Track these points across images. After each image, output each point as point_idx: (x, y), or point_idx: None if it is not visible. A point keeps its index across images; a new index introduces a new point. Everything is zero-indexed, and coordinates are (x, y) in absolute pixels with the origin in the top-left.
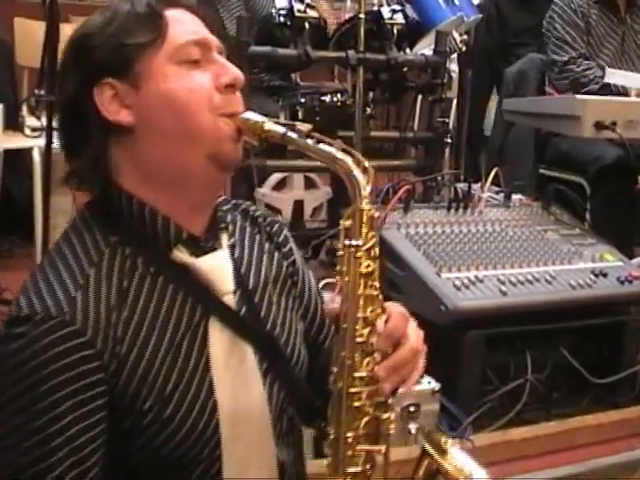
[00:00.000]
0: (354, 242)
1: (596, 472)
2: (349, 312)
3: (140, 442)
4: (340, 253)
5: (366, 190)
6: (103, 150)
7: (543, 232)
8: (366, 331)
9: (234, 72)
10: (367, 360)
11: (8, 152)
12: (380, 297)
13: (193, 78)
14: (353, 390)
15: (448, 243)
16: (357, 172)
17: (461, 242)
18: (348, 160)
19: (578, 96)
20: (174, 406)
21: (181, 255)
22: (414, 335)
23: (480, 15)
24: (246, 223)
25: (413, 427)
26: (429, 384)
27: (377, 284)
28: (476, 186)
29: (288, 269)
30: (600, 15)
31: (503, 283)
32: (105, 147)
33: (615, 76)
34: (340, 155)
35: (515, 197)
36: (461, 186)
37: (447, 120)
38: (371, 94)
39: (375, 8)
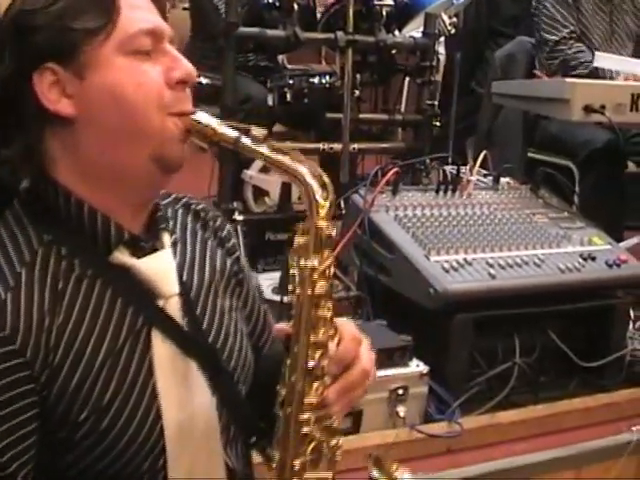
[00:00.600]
0: (310, 263)
1: (583, 455)
2: (301, 336)
3: (75, 455)
4: (293, 272)
5: (324, 206)
6: (38, 140)
7: (532, 215)
8: (317, 354)
9: (186, 67)
10: (317, 384)
11: None
12: (332, 318)
13: (143, 72)
14: (302, 417)
15: (437, 226)
16: (315, 186)
17: (450, 225)
18: (305, 172)
19: (567, 79)
20: (112, 416)
21: (121, 256)
22: (366, 356)
23: None
24: (188, 218)
25: (401, 410)
26: (417, 367)
27: (330, 304)
28: (465, 169)
29: (233, 267)
30: None
31: (492, 266)
32: (41, 137)
33: (604, 60)
34: (297, 167)
35: (504, 180)
36: (450, 169)
37: (435, 103)
38: (359, 76)
39: None
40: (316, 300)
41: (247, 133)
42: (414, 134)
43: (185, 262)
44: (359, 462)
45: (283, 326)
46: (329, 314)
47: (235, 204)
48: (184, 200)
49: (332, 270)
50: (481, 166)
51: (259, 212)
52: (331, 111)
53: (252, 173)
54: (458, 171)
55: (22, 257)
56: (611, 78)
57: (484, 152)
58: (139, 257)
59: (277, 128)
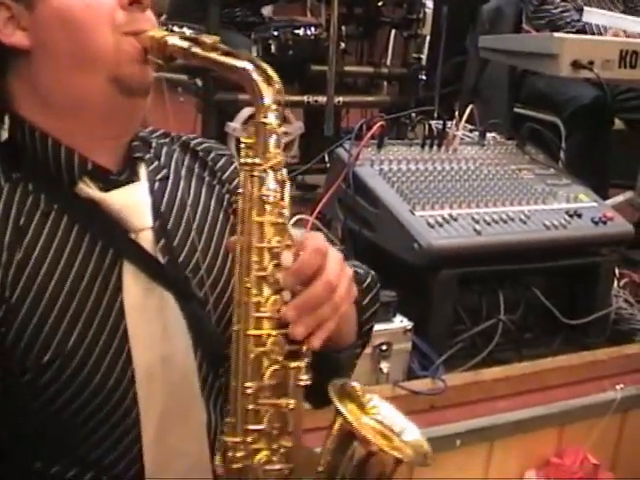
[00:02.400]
0: (251, 160)
1: (567, 414)
2: (245, 240)
3: (40, 402)
4: (241, 174)
5: (269, 101)
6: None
7: (518, 171)
8: (270, 265)
9: None
10: (272, 299)
11: None
12: (288, 228)
13: None
14: (254, 332)
15: (422, 181)
16: (259, 81)
17: (435, 180)
18: (250, 68)
19: (556, 34)
20: (79, 360)
21: (88, 190)
22: (332, 268)
23: None
24: (185, 156)
25: (385, 366)
26: (401, 323)
27: (285, 212)
28: (451, 124)
29: (232, 205)
30: None
31: (477, 222)
32: (2, 75)
33: (593, 15)
34: (243, 64)
35: (490, 136)
36: (435, 123)
37: (422, 57)
38: (345, 29)
39: None
40: (264, 203)
41: (197, 42)
42: (399, 88)
43: (176, 197)
44: None
45: (232, 239)
46: (282, 220)
47: None
48: (183, 139)
49: (284, 174)
50: (467, 121)
51: None
52: (316, 63)
53: (236, 125)
54: (444, 126)
55: None
56: (599, 34)
57: (470, 107)
58: (108, 190)
59: None
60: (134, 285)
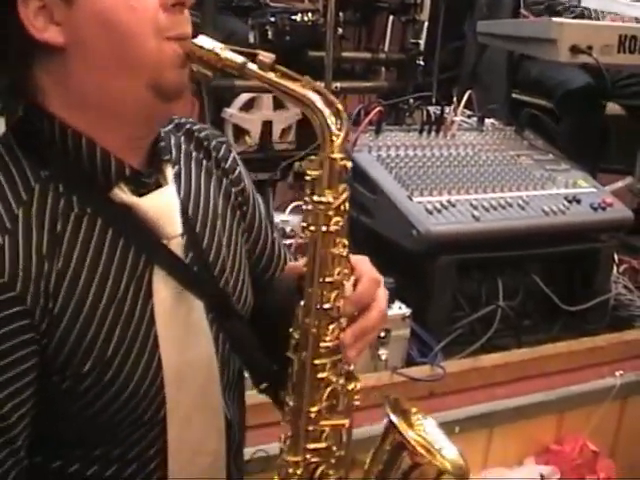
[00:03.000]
0: (324, 199)
1: (566, 400)
2: (315, 276)
3: (75, 408)
4: (307, 208)
5: (339, 135)
6: (27, 72)
7: (516, 157)
8: (333, 295)
9: None
10: (333, 327)
11: None
12: (348, 256)
13: None
14: (318, 362)
15: (420, 167)
16: (328, 114)
17: (433, 166)
18: (317, 99)
19: (554, 19)
20: (116, 368)
21: (122, 194)
22: (383, 297)
23: None
24: (191, 146)
25: (383, 353)
26: (400, 309)
27: (345, 241)
28: (449, 109)
29: (237, 198)
30: None
31: (476, 208)
32: (29, 69)
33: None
34: (309, 94)
35: (488, 121)
36: (433, 109)
37: (420, 42)
38: (342, 14)
39: None
40: (331, 237)
41: (254, 58)
42: (397, 73)
43: (190, 194)
44: None
45: (296, 264)
46: (344, 252)
47: None
48: (187, 127)
49: (347, 205)
50: (465, 107)
51: (239, 151)
52: (313, 49)
53: (232, 111)
54: (442, 111)
55: (19, 196)
56: (597, 19)
57: (468, 92)
58: (141, 195)
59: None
60: (164, 291)
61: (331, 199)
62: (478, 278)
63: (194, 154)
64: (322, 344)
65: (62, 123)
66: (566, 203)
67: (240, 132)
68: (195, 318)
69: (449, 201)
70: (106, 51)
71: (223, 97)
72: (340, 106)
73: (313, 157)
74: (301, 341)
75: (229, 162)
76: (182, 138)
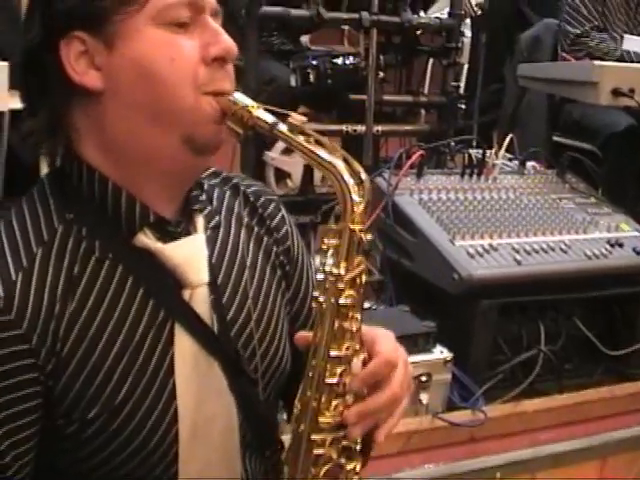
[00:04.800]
0: (335, 270)
1: (609, 445)
2: (320, 349)
3: (83, 454)
4: (319, 277)
5: (359, 206)
6: (62, 112)
7: (558, 200)
8: (339, 370)
9: (226, 42)
10: (336, 403)
11: (13, 112)
12: (360, 332)
13: (177, 46)
14: (315, 437)
15: (462, 210)
16: (351, 184)
17: (475, 209)
18: (342, 168)
19: (595, 62)
20: (125, 416)
21: (146, 240)
22: (398, 381)
23: None
24: (235, 202)
25: (424, 397)
26: (441, 354)
27: (358, 316)
28: (490, 152)
29: (279, 257)
30: None
31: (517, 252)
32: (66, 109)
33: (632, 42)
34: (335, 161)
35: (529, 164)
36: (475, 152)
37: (460, 85)
38: (383, 57)
39: None
40: (341, 311)
41: (285, 120)
42: (438, 116)
43: (226, 250)
44: (382, 449)
45: (304, 334)
46: (355, 327)
47: None
48: (234, 181)
49: (364, 278)
50: (506, 150)
51: (281, 194)
52: (354, 92)
53: (274, 155)
54: (483, 154)
55: (40, 235)
56: (638, 62)
57: (510, 136)
58: (166, 242)
59: (300, 109)
60: (185, 344)
61: (343, 271)
62: (520, 322)
63: (236, 210)
64: (322, 419)
65: (91, 166)
66: (608, 247)
67: (281, 175)
68: (217, 373)
69: (491, 245)
70: (142, 100)
71: (264, 140)
72: (364, 177)
73: (333, 226)
74: (301, 414)
75: (276, 220)
76: (228, 192)
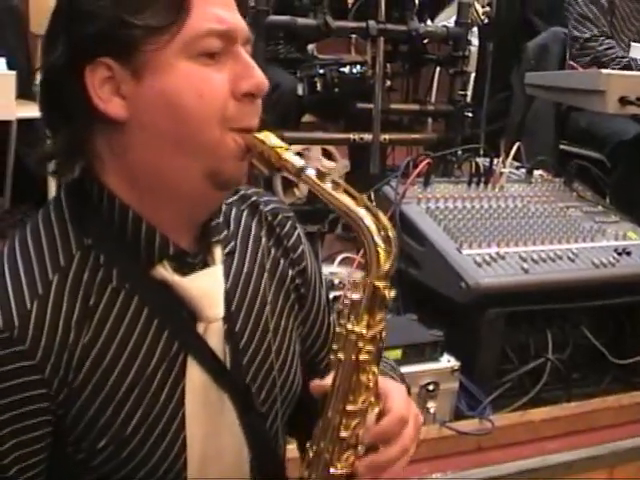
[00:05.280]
0: (357, 329)
1: (617, 454)
2: (337, 402)
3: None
4: (338, 331)
5: (384, 263)
6: (84, 137)
7: (565, 209)
8: (353, 423)
9: (257, 77)
10: (348, 454)
11: (21, 121)
12: (377, 386)
13: (207, 79)
14: None
15: (469, 219)
16: (379, 239)
17: (482, 218)
18: (370, 222)
19: (603, 70)
20: (135, 445)
21: (164, 272)
22: (409, 436)
23: None
24: (253, 222)
25: (432, 406)
26: (448, 362)
27: (376, 370)
28: (497, 161)
29: (294, 280)
30: None
31: (525, 260)
32: (88, 134)
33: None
34: (363, 215)
35: (537, 173)
36: (482, 161)
37: (467, 93)
38: (390, 66)
39: None
40: (360, 366)
41: (313, 163)
42: (445, 125)
43: (240, 277)
44: None
45: (320, 383)
46: (372, 381)
47: None
48: (252, 199)
49: (384, 334)
50: (514, 158)
51: (289, 203)
52: (361, 101)
53: None
54: (490, 163)
55: (57, 260)
56: None
57: (517, 144)
58: (184, 273)
59: (307, 118)
60: (196, 376)
61: (364, 330)
62: (527, 331)
63: (254, 231)
64: (333, 470)
65: (112, 193)
66: (616, 255)
67: (289, 184)
68: (228, 407)
69: (498, 253)
70: (167, 133)
71: None
72: (392, 234)
73: (357, 279)
74: (313, 462)
75: (292, 240)
76: (245, 212)
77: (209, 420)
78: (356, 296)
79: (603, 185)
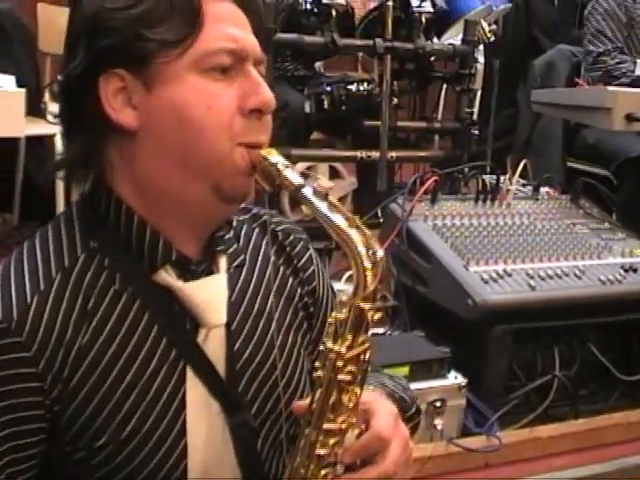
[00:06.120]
0: (336, 347)
1: (624, 471)
2: (314, 420)
3: None
4: (321, 348)
5: (371, 285)
6: (98, 145)
7: (572, 226)
8: (331, 442)
9: (265, 95)
10: (325, 471)
11: (29, 139)
12: (356, 407)
13: (215, 94)
14: None
15: (476, 236)
16: (367, 262)
17: (489, 235)
18: (360, 243)
19: (609, 88)
20: (133, 448)
21: (167, 277)
22: (392, 458)
23: (509, 5)
24: (263, 240)
25: (439, 423)
26: (455, 379)
27: (358, 391)
28: (504, 178)
29: (303, 299)
30: None
31: (532, 277)
32: (101, 143)
33: None
34: (354, 235)
35: (543, 190)
36: (489, 178)
37: (474, 111)
38: (397, 84)
39: None
40: (340, 386)
41: (312, 182)
42: (452, 142)
43: (247, 290)
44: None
45: (301, 403)
46: (353, 402)
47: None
48: (264, 218)
49: (368, 356)
50: (520, 175)
51: (295, 220)
52: (369, 118)
53: None
54: (497, 180)
55: (61, 260)
56: None
57: (524, 161)
58: (187, 280)
59: (314, 135)
60: (197, 385)
61: (344, 349)
62: (534, 347)
63: (264, 248)
64: None
65: (119, 199)
66: (622, 272)
67: (296, 201)
68: (223, 418)
69: (505, 270)
70: (175, 144)
71: None
72: (380, 255)
73: (344, 299)
74: (290, 477)
75: (303, 260)
76: (256, 230)
77: (211, 429)
78: (341, 315)
79: (610, 202)
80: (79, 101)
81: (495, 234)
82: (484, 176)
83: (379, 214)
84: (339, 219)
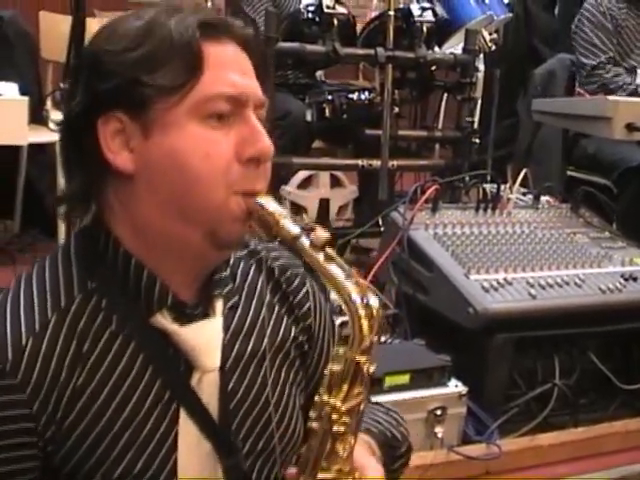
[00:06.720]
0: (332, 401)
1: (624, 479)
2: (309, 469)
3: None
4: (316, 399)
5: (367, 336)
6: (96, 184)
7: (572, 235)
8: None
9: (263, 143)
10: None
11: (32, 146)
12: (350, 457)
13: (213, 141)
14: None
15: (477, 244)
16: (363, 314)
17: (490, 243)
18: (356, 296)
19: (609, 97)
20: None
21: (163, 320)
22: None
23: (510, 14)
24: (259, 278)
25: (439, 431)
26: (456, 387)
27: (352, 441)
28: (504, 187)
29: (298, 337)
30: (628, 14)
31: (532, 286)
32: (101, 184)
33: None
34: (350, 288)
35: (544, 199)
36: (489, 187)
37: (475, 120)
38: (398, 92)
39: (404, 5)
40: (334, 437)
41: (309, 234)
42: (453, 151)
43: (240, 332)
44: None
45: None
46: (347, 452)
47: None
48: (261, 254)
49: (362, 407)
50: (521, 184)
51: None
52: (370, 127)
53: (290, 189)
54: (498, 189)
55: (57, 300)
56: None
57: (524, 170)
58: (183, 323)
59: (316, 144)
60: (190, 426)
61: (339, 402)
62: (534, 356)
63: (259, 287)
64: None
65: (117, 240)
66: (623, 281)
67: (297, 209)
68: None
69: (505, 279)
70: (171, 191)
71: (280, 174)
72: (377, 309)
73: (340, 352)
74: None
75: (299, 296)
76: (253, 266)
77: (203, 470)
78: (336, 368)
79: (610, 211)
80: (79, 139)
81: (496, 243)
82: (485, 185)
83: (380, 223)
84: (336, 271)
